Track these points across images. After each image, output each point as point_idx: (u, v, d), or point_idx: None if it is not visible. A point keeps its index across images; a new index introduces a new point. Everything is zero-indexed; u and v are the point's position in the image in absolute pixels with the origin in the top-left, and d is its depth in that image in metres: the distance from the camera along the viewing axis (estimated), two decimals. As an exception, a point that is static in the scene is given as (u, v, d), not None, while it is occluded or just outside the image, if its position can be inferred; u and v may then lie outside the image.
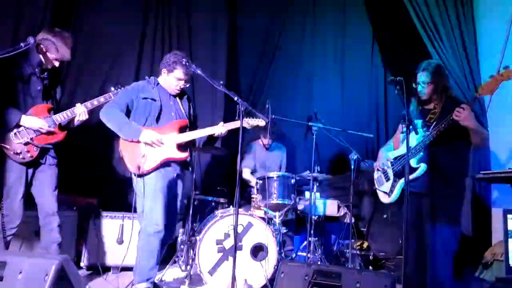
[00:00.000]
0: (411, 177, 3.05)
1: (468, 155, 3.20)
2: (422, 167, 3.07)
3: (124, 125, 3.19)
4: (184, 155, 3.32)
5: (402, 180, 3.21)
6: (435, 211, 3.02)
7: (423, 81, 3.17)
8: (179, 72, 3.29)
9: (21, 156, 3.11)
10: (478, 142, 3.02)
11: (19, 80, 3.16)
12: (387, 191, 3.35)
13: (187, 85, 3.42)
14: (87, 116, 3.37)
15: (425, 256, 3.03)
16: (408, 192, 2.64)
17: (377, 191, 3.51)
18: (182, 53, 3.36)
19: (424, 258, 3.03)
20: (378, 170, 3.51)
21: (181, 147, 3.33)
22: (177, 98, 3.47)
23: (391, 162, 3.36)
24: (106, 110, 3.21)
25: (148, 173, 3.18)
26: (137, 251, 3.20)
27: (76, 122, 3.39)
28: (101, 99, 3.42)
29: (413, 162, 3.09)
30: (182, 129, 3.38)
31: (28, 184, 3.22)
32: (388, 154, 3.42)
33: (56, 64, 3.26)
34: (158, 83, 3.39)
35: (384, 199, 3.40)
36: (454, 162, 3.07)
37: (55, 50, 3.18)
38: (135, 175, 3.22)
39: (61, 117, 3.28)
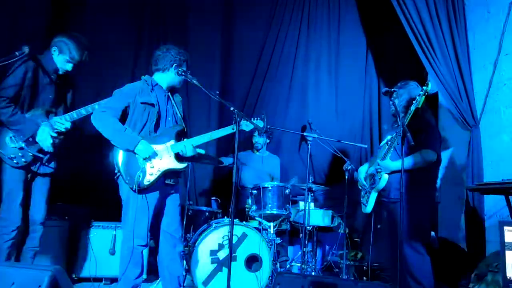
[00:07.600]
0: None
1: (433, 166, 3.28)
2: (384, 176, 3.28)
3: (117, 132, 2.92)
4: (183, 165, 3.09)
5: (373, 191, 3.39)
6: (403, 217, 3.07)
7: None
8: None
9: (15, 161, 3.05)
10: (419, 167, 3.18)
11: (33, 88, 3.13)
12: (365, 202, 3.49)
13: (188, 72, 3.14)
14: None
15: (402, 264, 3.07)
16: (403, 205, 2.65)
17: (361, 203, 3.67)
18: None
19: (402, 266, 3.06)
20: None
21: (180, 156, 3.11)
22: (172, 98, 3.22)
23: (365, 177, 3.52)
24: (98, 116, 2.95)
25: (148, 188, 2.96)
26: (121, 262, 2.98)
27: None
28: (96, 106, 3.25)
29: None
30: (179, 136, 3.14)
31: (27, 190, 3.16)
32: (367, 168, 3.55)
33: (69, 67, 3.22)
34: (156, 84, 3.14)
35: (363, 209, 3.55)
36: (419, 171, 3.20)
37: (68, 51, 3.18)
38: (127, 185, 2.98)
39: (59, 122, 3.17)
